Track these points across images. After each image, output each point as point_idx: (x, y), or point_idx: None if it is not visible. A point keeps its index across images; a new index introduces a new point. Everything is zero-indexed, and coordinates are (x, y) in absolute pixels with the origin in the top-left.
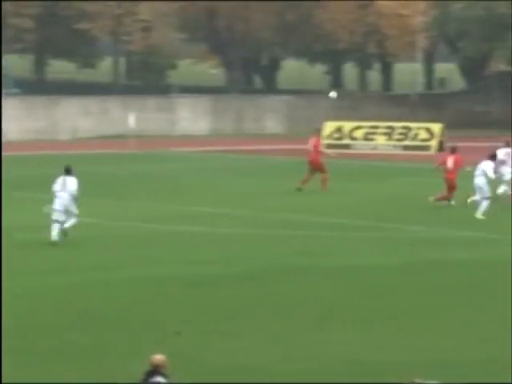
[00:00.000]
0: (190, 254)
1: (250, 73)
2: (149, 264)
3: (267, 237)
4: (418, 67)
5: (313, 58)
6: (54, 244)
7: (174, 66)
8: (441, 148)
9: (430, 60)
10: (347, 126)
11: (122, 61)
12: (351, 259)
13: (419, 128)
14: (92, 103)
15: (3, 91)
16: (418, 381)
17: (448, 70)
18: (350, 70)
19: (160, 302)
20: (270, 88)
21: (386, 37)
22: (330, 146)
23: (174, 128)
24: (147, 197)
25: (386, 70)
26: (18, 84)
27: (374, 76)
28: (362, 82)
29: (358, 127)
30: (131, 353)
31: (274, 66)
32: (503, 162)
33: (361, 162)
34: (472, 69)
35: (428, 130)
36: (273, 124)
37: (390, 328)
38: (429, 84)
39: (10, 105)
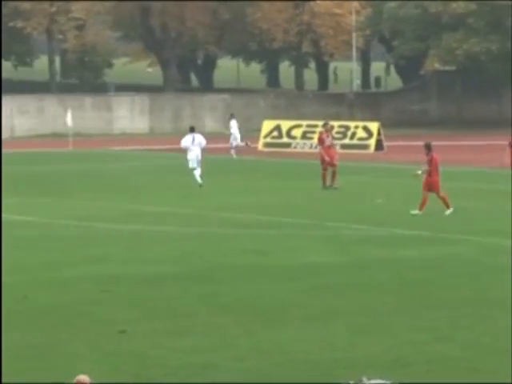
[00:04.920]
0: (137, 252)
1: (186, 71)
2: (95, 263)
3: (214, 235)
4: (353, 66)
5: (248, 56)
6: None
7: (109, 65)
8: (379, 147)
9: (365, 59)
10: (285, 124)
11: (58, 59)
12: (299, 257)
13: (357, 127)
14: (28, 102)
15: None
16: (365, 379)
17: (383, 69)
18: (286, 69)
19: (107, 301)
20: (207, 87)
21: (320, 35)
22: (268, 145)
23: (112, 127)
24: (89, 196)
25: (322, 69)
26: None
27: (310, 75)
28: (298, 80)
29: (297, 126)
30: (78, 353)
31: (210, 64)
32: None
33: (299, 161)
34: (407, 68)
35: (366, 128)
36: (210, 123)
37: (340, 326)
38: (365, 83)
39: None
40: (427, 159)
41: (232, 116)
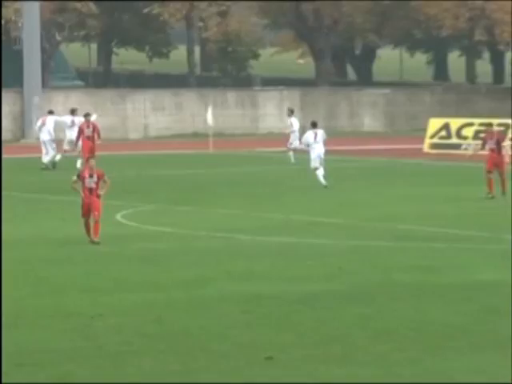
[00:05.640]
0: (284, 268)
1: (342, 63)
2: (238, 280)
3: (375, 249)
4: None
5: (413, 45)
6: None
7: (255, 56)
8: None
9: None
10: (455, 123)
11: (197, 50)
12: (470, 275)
13: None
14: (165, 97)
15: (65, 83)
16: None
17: None
18: (455, 60)
19: (252, 323)
20: (365, 80)
21: (495, 22)
22: (435, 146)
23: (258, 125)
24: (233, 203)
25: (497, 60)
26: (81, 76)
27: (484, 66)
28: (470, 72)
29: (468, 124)
30: (217, 382)
31: (369, 55)
32: None
33: (471, 165)
34: None
35: None
36: (369, 121)
37: None
38: None
39: (75, 99)
40: None
41: (291, 112)
